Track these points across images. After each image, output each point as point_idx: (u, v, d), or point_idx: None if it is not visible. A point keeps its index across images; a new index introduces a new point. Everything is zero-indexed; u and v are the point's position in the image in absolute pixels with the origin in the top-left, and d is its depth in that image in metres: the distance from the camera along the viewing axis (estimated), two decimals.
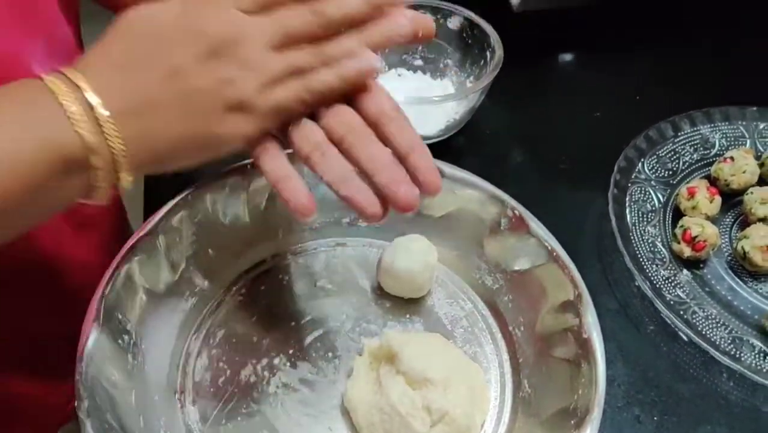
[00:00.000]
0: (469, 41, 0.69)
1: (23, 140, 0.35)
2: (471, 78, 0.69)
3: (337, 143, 0.41)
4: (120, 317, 0.48)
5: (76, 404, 0.42)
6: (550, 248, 0.52)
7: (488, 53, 0.67)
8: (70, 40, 0.54)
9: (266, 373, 0.51)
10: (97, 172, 0.37)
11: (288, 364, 0.51)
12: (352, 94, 0.42)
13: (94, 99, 0.36)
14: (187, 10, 0.38)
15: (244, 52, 0.38)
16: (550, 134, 0.71)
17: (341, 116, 0.41)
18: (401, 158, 0.41)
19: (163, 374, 0.50)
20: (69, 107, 0.35)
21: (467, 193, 0.56)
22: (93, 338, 0.45)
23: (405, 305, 0.55)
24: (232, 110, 0.39)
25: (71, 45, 0.54)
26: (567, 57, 0.80)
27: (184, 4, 0.38)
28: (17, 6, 0.47)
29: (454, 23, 0.70)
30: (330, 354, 0.52)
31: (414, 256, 0.53)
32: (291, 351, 0.52)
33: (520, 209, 0.54)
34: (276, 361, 0.51)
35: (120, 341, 0.47)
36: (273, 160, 0.41)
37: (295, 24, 0.39)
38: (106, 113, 0.36)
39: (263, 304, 0.54)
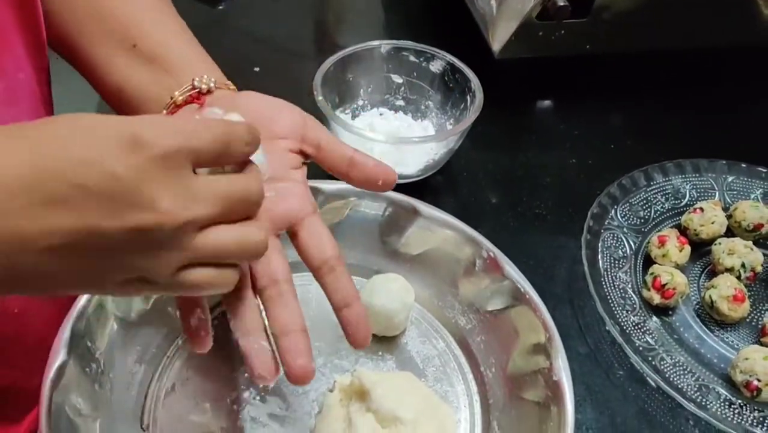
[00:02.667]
0: (451, 84, 0.71)
1: None
2: (451, 120, 0.71)
3: (257, 292, 0.42)
4: (89, 344, 0.47)
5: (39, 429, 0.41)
6: (523, 290, 0.52)
7: (469, 97, 0.68)
8: (35, 84, 0.52)
9: (235, 407, 0.50)
10: None
11: (257, 398, 0.51)
12: (296, 235, 0.43)
13: None
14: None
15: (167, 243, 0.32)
16: (526, 179, 0.72)
17: (269, 265, 0.42)
18: (336, 309, 0.44)
19: (130, 404, 0.49)
20: None
21: (443, 233, 0.57)
22: (59, 364, 0.44)
23: (378, 342, 0.55)
24: (130, 282, 0.34)
25: (36, 90, 0.52)
26: (545, 104, 0.83)
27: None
28: None
29: (436, 66, 0.71)
30: (300, 390, 0.51)
31: (392, 295, 0.53)
32: (261, 385, 0.51)
33: (495, 251, 0.55)
34: (245, 395, 0.51)
35: (87, 369, 0.47)
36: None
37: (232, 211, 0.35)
38: None
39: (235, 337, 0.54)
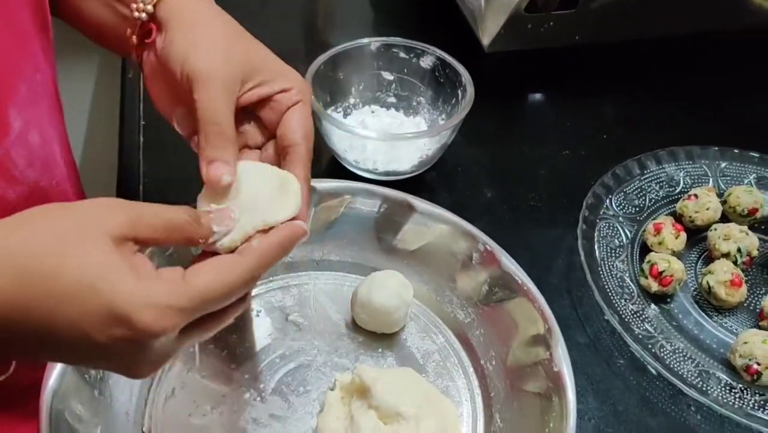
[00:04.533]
0: (441, 80, 0.71)
1: None
2: (443, 115, 0.71)
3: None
4: None
5: None
6: (520, 282, 0.52)
7: (460, 92, 0.68)
8: (51, 84, 0.53)
9: (236, 408, 0.50)
10: None
11: (258, 399, 0.50)
12: None
13: None
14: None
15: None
16: (520, 171, 0.72)
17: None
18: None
19: (130, 409, 0.49)
20: None
21: (439, 228, 0.57)
22: (58, 371, 0.44)
23: (377, 339, 0.55)
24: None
25: (52, 90, 0.53)
26: (536, 96, 0.83)
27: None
28: (5, 48, 0.47)
29: (426, 62, 0.71)
30: (301, 389, 0.51)
31: (390, 292, 0.53)
32: (261, 386, 0.51)
33: (491, 244, 0.55)
34: (246, 396, 0.51)
35: (86, 375, 0.46)
36: None
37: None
38: None
39: (234, 338, 0.54)
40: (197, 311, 0.36)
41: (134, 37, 0.48)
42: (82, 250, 0.34)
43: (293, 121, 0.46)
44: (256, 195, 0.42)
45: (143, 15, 0.47)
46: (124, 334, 0.33)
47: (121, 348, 0.34)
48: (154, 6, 0.47)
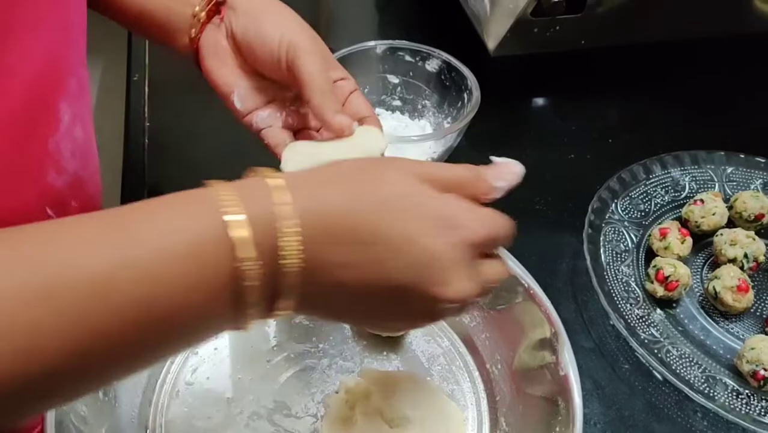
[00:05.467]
0: (447, 83, 0.71)
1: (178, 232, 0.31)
2: (448, 119, 0.71)
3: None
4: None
5: None
6: (526, 285, 0.52)
7: (465, 95, 0.68)
8: (87, 77, 0.54)
9: (240, 410, 0.50)
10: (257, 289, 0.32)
11: (263, 401, 0.50)
12: None
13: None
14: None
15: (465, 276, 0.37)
16: (525, 175, 0.71)
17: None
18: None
19: (135, 412, 0.49)
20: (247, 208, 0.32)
21: None
22: None
23: (382, 342, 0.55)
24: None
25: (87, 83, 0.54)
26: (542, 101, 0.82)
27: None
28: (60, 43, 0.48)
29: (432, 66, 0.71)
30: (306, 391, 0.51)
31: None
32: (266, 388, 0.51)
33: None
34: (250, 398, 0.50)
35: None
36: None
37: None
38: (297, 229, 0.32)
39: (240, 341, 0.54)
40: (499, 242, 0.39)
41: (203, 14, 0.51)
42: (395, 175, 0.36)
43: (359, 100, 0.50)
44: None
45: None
46: (453, 240, 0.35)
47: (450, 255, 0.35)
48: None
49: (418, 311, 0.37)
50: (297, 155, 0.48)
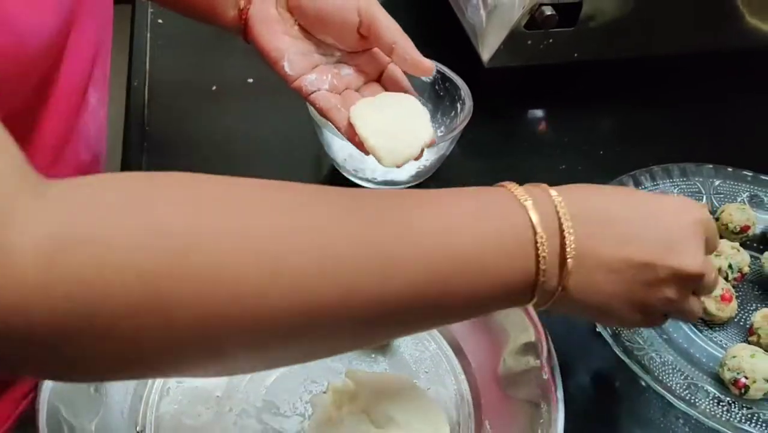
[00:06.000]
0: (441, 93, 0.72)
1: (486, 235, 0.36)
2: (442, 128, 0.72)
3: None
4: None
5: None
6: None
7: (459, 105, 0.69)
8: (108, 72, 0.58)
9: (229, 409, 0.51)
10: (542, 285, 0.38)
11: (251, 400, 0.51)
12: None
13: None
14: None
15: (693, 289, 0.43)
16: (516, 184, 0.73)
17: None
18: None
19: (125, 407, 0.49)
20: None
21: None
22: None
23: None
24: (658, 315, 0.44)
25: (107, 77, 0.58)
26: (535, 112, 0.84)
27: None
28: (95, 31, 0.51)
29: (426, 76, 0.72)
30: (294, 391, 0.52)
31: None
32: (255, 388, 0.52)
33: None
34: (239, 396, 0.51)
35: None
36: None
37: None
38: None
39: None
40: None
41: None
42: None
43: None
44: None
45: None
46: (689, 220, 0.41)
47: (691, 230, 0.40)
48: None
49: (661, 288, 0.40)
50: (364, 114, 0.53)
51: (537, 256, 0.37)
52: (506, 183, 0.40)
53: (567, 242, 0.37)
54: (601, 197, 0.41)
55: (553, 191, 0.39)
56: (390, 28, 0.53)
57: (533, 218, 0.37)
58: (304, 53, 0.55)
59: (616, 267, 0.39)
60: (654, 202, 0.42)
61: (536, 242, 0.37)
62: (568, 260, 0.37)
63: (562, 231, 0.37)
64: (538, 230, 0.37)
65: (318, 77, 0.55)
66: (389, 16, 0.53)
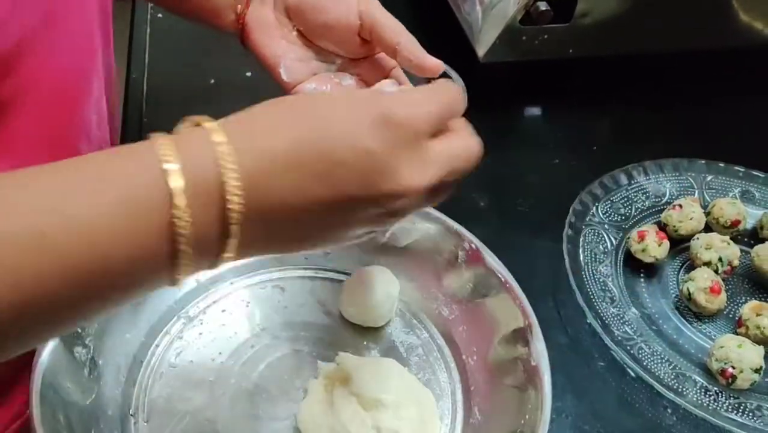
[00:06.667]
0: None
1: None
2: None
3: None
4: (79, 330, 0.49)
5: (28, 411, 0.43)
6: (503, 279, 0.54)
7: None
8: (112, 63, 0.57)
9: (222, 392, 0.51)
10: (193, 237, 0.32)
11: (244, 384, 0.52)
12: None
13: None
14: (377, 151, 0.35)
15: (406, 204, 0.37)
16: (510, 178, 0.74)
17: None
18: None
19: (118, 390, 0.50)
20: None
21: (427, 226, 0.58)
22: (50, 347, 0.45)
23: (363, 332, 0.56)
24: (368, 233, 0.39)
25: (112, 67, 0.57)
26: (529, 107, 0.84)
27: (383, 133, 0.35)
28: (94, 22, 0.51)
29: None
30: (286, 376, 0.52)
31: (378, 286, 0.55)
32: (248, 372, 0.52)
33: (477, 243, 0.56)
34: (232, 381, 0.52)
35: (77, 354, 0.48)
36: None
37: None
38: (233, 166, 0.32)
39: (224, 326, 0.55)
40: (442, 120, 0.38)
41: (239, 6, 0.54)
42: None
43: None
44: None
45: None
46: (389, 136, 0.35)
47: (391, 148, 0.35)
48: None
49: (373, 215, 0.36)
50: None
51: (174, 235, 0.31)
52: (156, 136, 0.33)
53: (230, 206, 0.32)
54: (272, 137, 0.34)
55: (219, 135, 0.32)
56: (392, 27, 0.51)
57: (173, 187, 0.31)
58: (302, 59, 0.53)
59: (306, 214, 0.34)
60: (349, 128, 0.35)
61: (173, 220, 0.31)
62: (232, 227, 0.32)
63: (224, 192, 0.32)
64: (178, 202, 0.31)
65: (317, 86, 0.52)
66: (391, 16, 0.52)
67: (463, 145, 0.39)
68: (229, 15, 0.55)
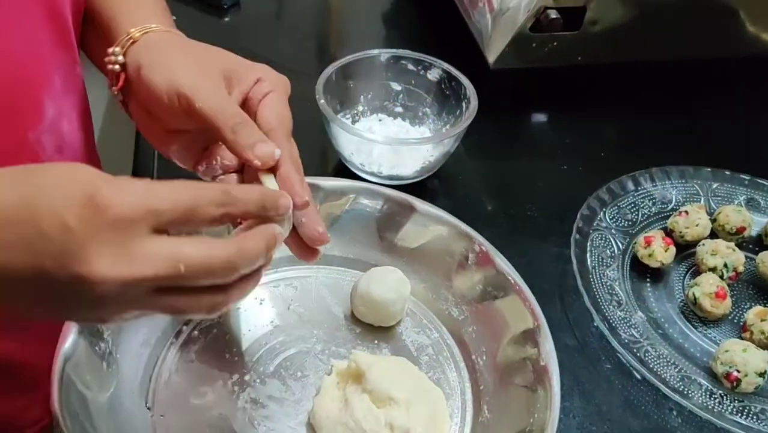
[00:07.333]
0: (447, 92, 0.74)
1: None
2: (447, 126, 0.74)
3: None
4: (98, 326, 0.50)
5: (51, 401, 0.44)
6: (513, 281, 0.55)
7: (464, 104, 0.71)
8: (81, 80, 0.56)
9: (236, 388, 0.52)
10: None
11: (258, 381, 0.53)
12: None
13: None
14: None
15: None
16: (518, 183, 0.75)
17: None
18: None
19: (135, 384, 0.51)
20: None
21: (438, 229, 0.59)
22: (71, 341, 0.46)
23: (374, 331, 0.57)
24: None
25: (82, 85, 0.56)
26: (538, 113, 0.86)
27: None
28: (46, 39, 0.49)
29: (433, 75, 0.74)
30: (299, 373, 0.53)
31: (389, 286, 0.56)
32: (261, 369, 0.53)
33: (487, 245, 0.57)
34: (246, 377, 0.53)
35: (96, 348, 0.49)
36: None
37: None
38: None
39: (238, 323, 0.56)
40: (171, 217, 0.35)
41: (115, 90, 0.49)
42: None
43: (265, 109, 0.45)
44: None
45: (116, 67, 0.48)
46: (93, 217, 0.33)
47: (90, 233, 0.32)
48: (124, 54, 0.48)
49: (70, 296, 0.34)
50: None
51: None
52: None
53: None
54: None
55: None
56: (215, 119, 0.43)
57: None
58: (189, 141, 0.49)
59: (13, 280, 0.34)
60: (58, 200, 0.33)
61: None
62: None
63: None
64: None
65: (207, 168, 0.48)
66: (211, 94, 0.44)
67: (203, 252, 0.35)
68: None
